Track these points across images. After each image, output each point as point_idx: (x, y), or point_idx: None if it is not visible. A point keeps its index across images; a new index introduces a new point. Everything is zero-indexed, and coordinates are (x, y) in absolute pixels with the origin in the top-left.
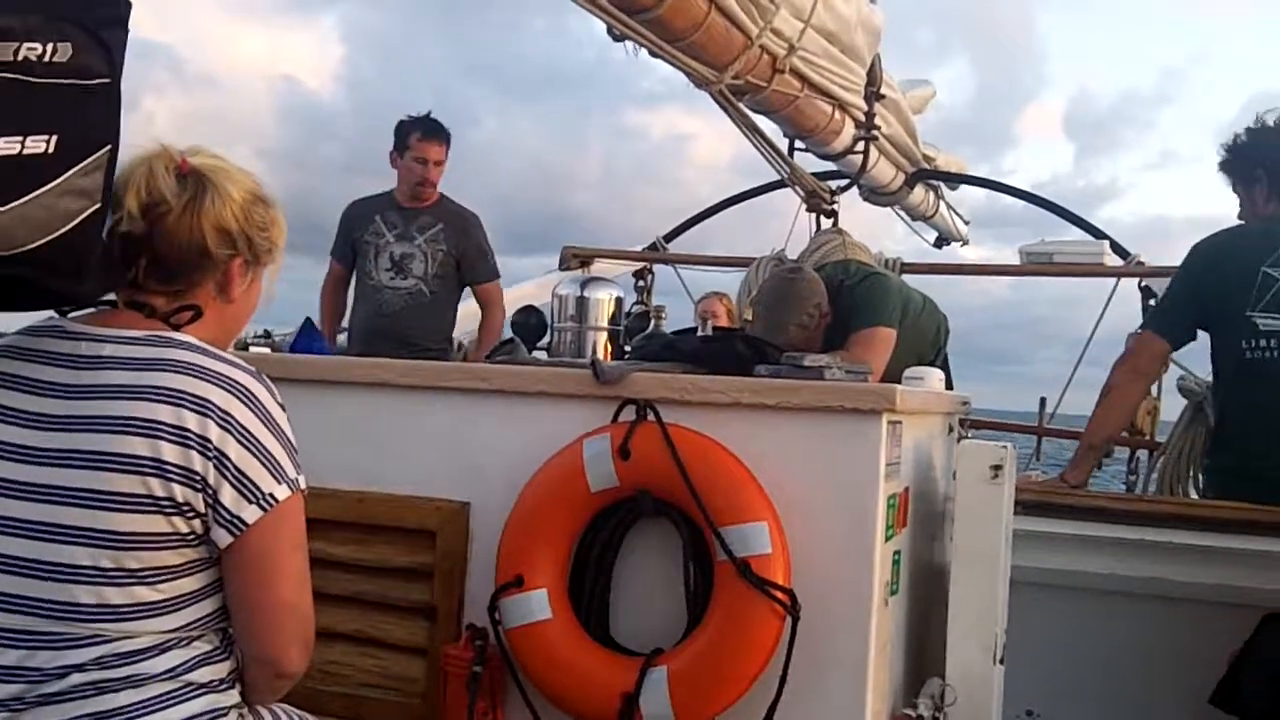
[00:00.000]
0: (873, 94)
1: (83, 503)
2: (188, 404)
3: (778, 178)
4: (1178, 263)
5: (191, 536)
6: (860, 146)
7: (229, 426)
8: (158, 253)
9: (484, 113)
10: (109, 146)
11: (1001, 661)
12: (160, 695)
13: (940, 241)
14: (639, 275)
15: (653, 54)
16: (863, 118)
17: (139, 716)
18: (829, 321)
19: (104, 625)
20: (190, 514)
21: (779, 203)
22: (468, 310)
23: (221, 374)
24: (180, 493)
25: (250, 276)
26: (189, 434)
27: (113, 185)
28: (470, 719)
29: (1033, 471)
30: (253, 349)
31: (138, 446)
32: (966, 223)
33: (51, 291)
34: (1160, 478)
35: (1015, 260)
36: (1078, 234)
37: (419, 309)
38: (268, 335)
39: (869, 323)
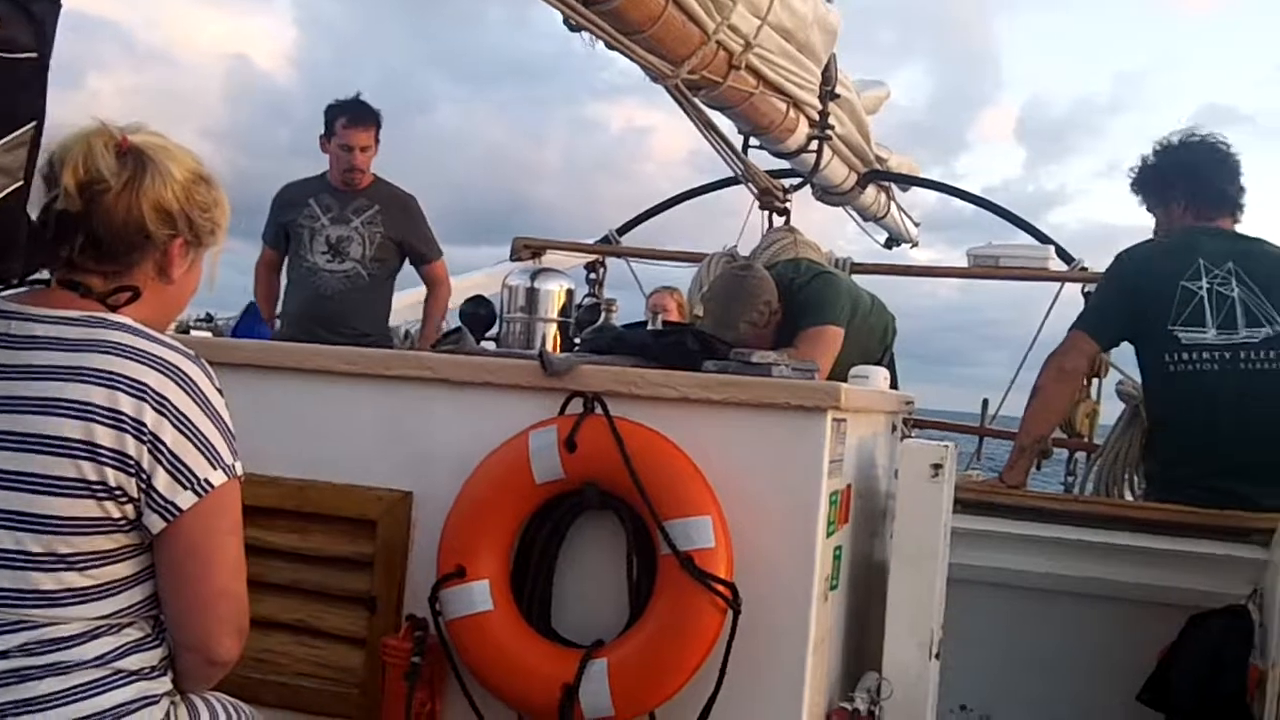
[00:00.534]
0: (827, 93)
1: (12, 486)
2: (122, 386)
3: (732, 174)
4: None
5: (124, 522)
6: (814, 145)
7: (164, 410)
8: (95, 232)
9: (441, 101)
10: (34, 123)
11: (937, 657)
12: (88, 683)
13: (891, 242)
14: (591, 268)
15: (609, 46)
16: (817, 116)
17: (64, 704)
18: (779, 319)
19: (31, 611)
20: (123, 499)
21: (732, 199)
22: (406, 300)
23: (158, 357)
24: (113, 477)
25: (191, 258)
26: (123, 417)
27: (39, 163)
28: (409, 710)
29: (973, 471)
30: (194, 332)
31: (70, 429)
32: (917, 225)
33: None
34: (1097, 479)
35: (964, 263)
36: (1025, 239)
37: (356, 292)
38: (210, 319)
39: (817, 321)
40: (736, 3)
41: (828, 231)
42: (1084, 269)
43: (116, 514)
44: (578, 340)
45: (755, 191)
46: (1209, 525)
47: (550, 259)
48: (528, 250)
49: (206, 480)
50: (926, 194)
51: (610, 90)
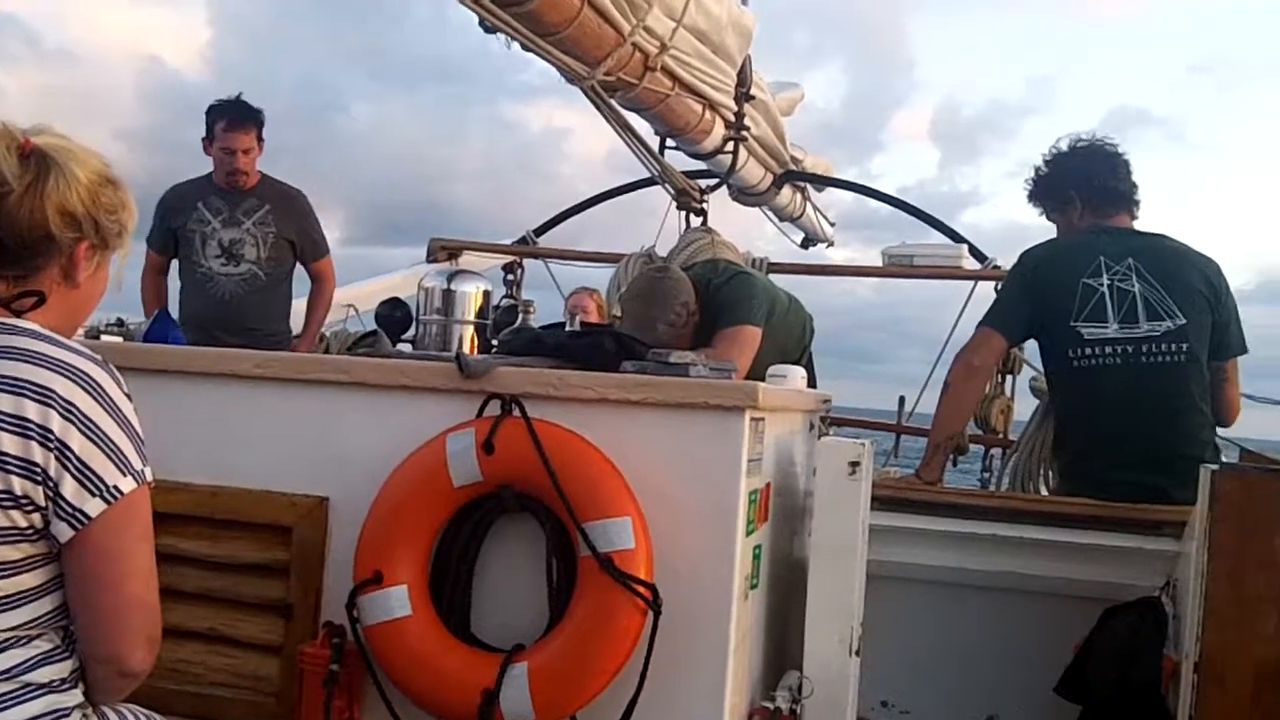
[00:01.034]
0: (743, 94)
1: None
2: (28, 393)
3: (649, 175)
4: None
5: (30, 531)
6: (730, 146)
7: (71, 416)
8: None
9: (357, 99)
10: None
11: (858, 653)
12: None
13: (807, 242)
14: (508, 269)
15: (525, 48)
16: (732, 118)
17: None
18: (697, 320)
19: None
20: (29, 508)
21: (650, 200)
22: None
23: (65, 362)
24: (19, 485)
25: (97, 261)
26: (29, 424)
27: None
28: (327, 719)
29: (891, 468)
30: (104, 337)
31: None
32: (833, 224)
33: None
34: (1013, 475)
35: (879, 262)
36: (939, 238)
37: (254, 294)
38: (121, 324)
39: (735, 321)
40: (652, 5)
41: (745, 232)
42: (997, 267)
43: (23, 523)
44: (495, 342)
45: (672, 192)
46: (1121, 518)
47: (467, 260)
48: (444, 251)
49: (115, 487)
50: (842, 194)
51: (529, 91)
